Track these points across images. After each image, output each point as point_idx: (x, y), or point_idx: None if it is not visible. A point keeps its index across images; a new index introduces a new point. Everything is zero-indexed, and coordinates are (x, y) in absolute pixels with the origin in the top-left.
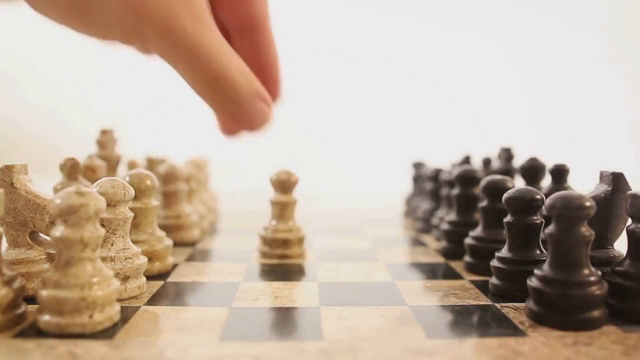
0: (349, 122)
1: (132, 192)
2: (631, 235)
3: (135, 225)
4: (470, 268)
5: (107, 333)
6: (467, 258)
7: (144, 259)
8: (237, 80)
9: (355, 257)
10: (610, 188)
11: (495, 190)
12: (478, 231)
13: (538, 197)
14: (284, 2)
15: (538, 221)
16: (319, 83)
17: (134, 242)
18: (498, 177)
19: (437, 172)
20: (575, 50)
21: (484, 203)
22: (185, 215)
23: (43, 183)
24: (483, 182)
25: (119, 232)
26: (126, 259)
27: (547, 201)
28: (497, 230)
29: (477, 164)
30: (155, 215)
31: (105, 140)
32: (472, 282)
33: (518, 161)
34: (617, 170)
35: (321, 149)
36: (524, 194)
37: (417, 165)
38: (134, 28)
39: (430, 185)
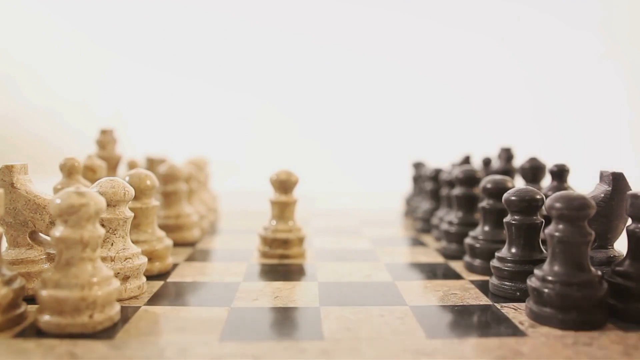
0: (349, 122)
1: (132, 192)
2: (631, 235)
3: (135, 225)
4: (470, 268)
5: (107, 333)
6: (467, 258)
7: (144, 259)
8: None
9: (355, 257)
10: (610, 188)
11: (495, 190)
12: (478, 231)
13: (538, 197)
14: (285, 2)
15: (538, 221)
16: (319, 83)
17: (134, 242)
18: (498, 177)
19: (437, 172)
20: (575, 50)
21: (483, 203)
22: (185, 215)
23: (43, 183)
24: (483, 182)
25: (119, 232)
26: (126, 259)
27: (547, 201)
28: (497, 230)
29: (477, 164)
30: (155, 215)
31: (105, 140)
32: (472, 282)
33: (518, 161)
34: (617, 170)
35: (321, 149)
36: (524, 194)
37: (417, 165)
38: None
39: (430, 185)
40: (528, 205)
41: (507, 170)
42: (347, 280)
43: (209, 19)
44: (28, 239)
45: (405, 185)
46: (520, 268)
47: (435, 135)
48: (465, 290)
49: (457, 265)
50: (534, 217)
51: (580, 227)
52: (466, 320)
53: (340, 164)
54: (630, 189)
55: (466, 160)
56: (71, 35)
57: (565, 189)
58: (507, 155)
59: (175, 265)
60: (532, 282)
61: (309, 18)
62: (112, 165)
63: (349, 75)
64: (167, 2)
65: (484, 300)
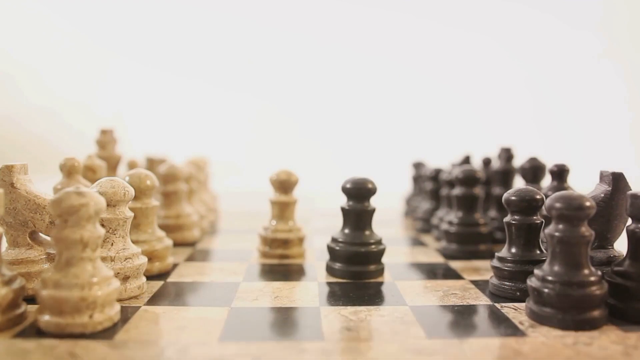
0: (349, 122)
1: (132, 192)
2: (631, 235)
3: (135, 225)
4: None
5: (107, 333)
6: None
7: (144, 259)
8: None
9: None
10: (610, 188)
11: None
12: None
13: (538, 197)
14: (285, 2)
15: (538, 221)
16: (319, 83)
17: (134, 242)
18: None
19: (437, 172)
20: (575, 50)
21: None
22: (185, 215)
23: (43, 183)
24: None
25: (119, 232)
26: (126, 259)
27: (547, 201)
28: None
29: (477, 164)
30: (155, 215)
31: (105, 140)
32: (472, 282)
33: (518, 161)
34: (617, 170)
35: (321, 149)
36: (524, 194)
37: (417, 165)
38: None
39: (430, 185)
40: (528, 205)
41: (507, 170)
42: (346, 280)
43: (209, 20)
44: (28, 239)
45: (405, 185)
46: (520, 268)
47: (435, 135)
48: (465, 290)
49: (457, 265)
50: (534, 217)
51: (580, 227)
52: (466, 320)
53: (340, 164)
54: (630, 189)
55: (466, 160)
56: (71, 35)
57: (565, 189)
58: (507, 155)
59: (175, 265)
60: (532, 282)
61: (308, 18)
62: (112, 165)
63: (349, 75)
64: (167, 2)
65: (484, 300)
